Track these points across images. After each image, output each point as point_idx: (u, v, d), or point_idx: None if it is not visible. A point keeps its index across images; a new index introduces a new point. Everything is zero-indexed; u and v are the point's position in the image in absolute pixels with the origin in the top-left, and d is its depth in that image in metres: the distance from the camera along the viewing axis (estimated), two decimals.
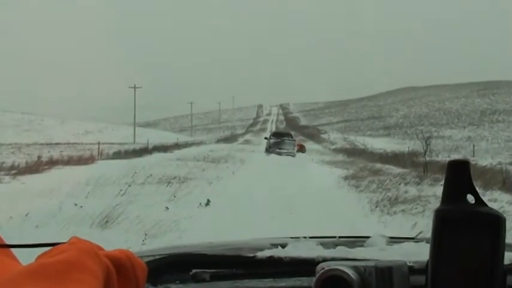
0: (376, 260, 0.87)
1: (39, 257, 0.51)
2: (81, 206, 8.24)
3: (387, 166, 19.26)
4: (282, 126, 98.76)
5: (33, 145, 38.31)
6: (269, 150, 28.71)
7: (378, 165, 19.64)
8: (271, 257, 1.06)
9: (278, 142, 28.89)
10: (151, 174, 13.54)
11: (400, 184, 12.83)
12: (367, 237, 1.26)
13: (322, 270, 0.79)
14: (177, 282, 1.03)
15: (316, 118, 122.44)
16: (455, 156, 31.75)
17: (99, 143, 28.17)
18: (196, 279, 1.03)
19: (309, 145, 46.25)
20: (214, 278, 1.03)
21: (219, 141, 56.25)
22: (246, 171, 17.20)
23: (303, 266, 1.02)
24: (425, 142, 20.91)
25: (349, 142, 50.13)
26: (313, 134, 66.77)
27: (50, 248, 0.53)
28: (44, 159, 19.31)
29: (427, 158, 19.52)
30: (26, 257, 0.59)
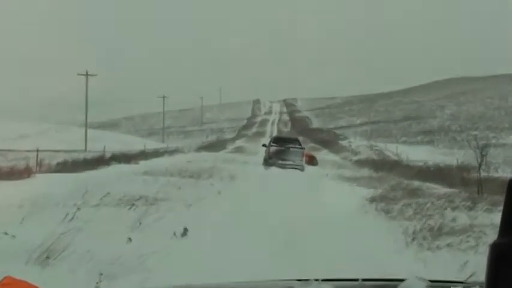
0: None
1: None
2: (14, 236, 8.30)
3: (428, 184, 19.50)
4: (286, 130, 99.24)
5: None
6: (268, 161, 28.87)
7: (416, 183, 19.83)
8: None
9: (281, 151, 29.00)
10: (108, 193, 13.66)
11: (445, 209, 12.98)
12: (401, 280, 1.27)
13: None
14: None
15: (332, 119, 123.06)
16: None
17: (38, 151, 28.09)
18: None
19: (323, 155, 46.40)
20: None
21: (200, 148, 56.71)
22: (237, 190, 17.33)
23: None
24: (481, 152, 21.01)
25: (377, 151, 50.33)
26: (329, 141, 67.03)
27: None
28: None
29: (483, 174, 19.68)
30: None
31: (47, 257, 7.10)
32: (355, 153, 48.80)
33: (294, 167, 27.62)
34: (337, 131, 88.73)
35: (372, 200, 15.29)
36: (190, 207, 12.73)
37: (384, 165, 32.04)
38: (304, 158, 29.50)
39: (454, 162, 33.03)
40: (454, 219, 11.58)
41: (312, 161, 33.86)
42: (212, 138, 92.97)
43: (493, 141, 54.48)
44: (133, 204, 12.46)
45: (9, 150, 41.25)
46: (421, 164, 33.41)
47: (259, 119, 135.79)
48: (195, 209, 12.67)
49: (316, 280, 1.27)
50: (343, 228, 11.07)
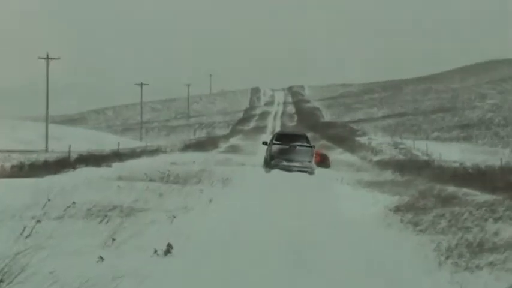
0: None
1: None
2: None
3: (465, 190, 19.35)
4: (292, 124, 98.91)
5: None
6: (270, 163, 29.01)
7: (451, 189, 19.74)
8: None
9: (285, 150, 29.13)
10: (74, 203, 13.58)
11: (486, 220, 12.96)
12: None
13: None
14: None
15: (348, 110, 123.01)
16: None
17: None
18: None
19: (337, 155, 46.86)
20: None
21: (187, 147, 56.42)
22: (232, 197, 17.44)
23: None
24: None
25: (404, 150, 50.46)
26: (344, 137, 66.96)
27: None
28: None
29: None
30: None
31: (0, 281, 7.00)
32: (376, 152, 48.66)
33: (301, 170, 27.73)
34: (354, 126, 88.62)
35: (397, 209, 15.34)
36: (174, 219, 12.66)
37: (411, 166, 31.68)
38: (313, 159, 29.55)
39: (497, 163, 32.98)
40: (496, 233, 11.54)
41: (323, 161, 33.99)
42: (201, 134, 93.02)
43: None
44: (105, 216, 12.43)
45: None
46: (456, 165, 33.42)
47: (258, 111, 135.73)
48: (181, 221, 12.62)
49: None
50: (361, 245, 11.12)
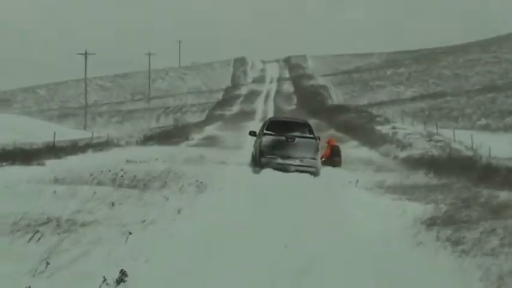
0: None
1: None
2: None
3: None
4: (290, 109, 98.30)
5: None
6: (260, 161, 28.83)
7: (504, 195, 19.57)
8: None
9: (281, 143, 28.86)
10: None
11: None
12: None
13: None
14: None
15: (365, 89, 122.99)
16: None
17: None
18: None
19: (350, 149, 46.78)
20: None
21: (148, 139, 56.56)
22: (208, 208, 17.46)
23: None
24: None
25: (440, 143, 50.07)
26: (360, 126, 66.61)
27: None
28: None
29: None
30: None
31: None
32: (403, 146, 48.28)
33: (302, 170, 27.72)
34: (374, 110, 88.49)
35: (431, 223, 15.31)
36: (130, 236, 12.71)
37: (450, 165, 31.10)
38: (318, 154, 29.56)
39: None
40: None
41: (333, 158, 34.15)
42: (167, 122, 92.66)
43: None
44: (36, 232, 12.37)
45: None
46: (510, 163, 33.36)
47: (244, 90, 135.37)
48: (139, 239, 12.64)
49: None
50: (384, 265, 11.36)
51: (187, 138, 59.55)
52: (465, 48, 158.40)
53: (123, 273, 9.62)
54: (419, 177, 27.85)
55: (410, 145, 48.77)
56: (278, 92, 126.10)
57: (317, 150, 29.34)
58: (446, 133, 55.91)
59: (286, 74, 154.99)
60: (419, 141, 51.34)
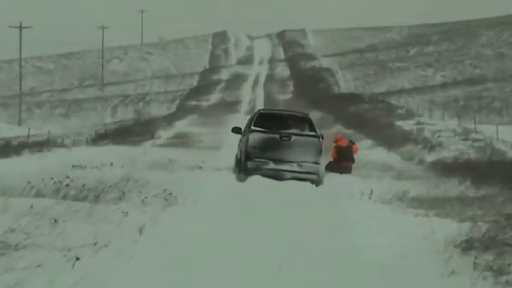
0: None
1: None
2: None
3: None
4: (285, 98, 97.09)
5: None
6: (246, 165, 27.76)
7: None
8: None
9: (272, 142, 27.87)
10: None
11: None
12: None
13: None
14: None
15: (382, 73, 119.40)
16: None
17: None
18: None
19: (364, 150, 44.06)
20: None
21: (101, 137, 55.96)
22: (179, 225, 17.09)
23: None
24: None
25: (479, 142, 48.09)
26: (375, 121, 64.03)
27: None
28: None
29: None
30: None
31: None
32: (432, 146, 46.56)
33: (301, 177, 26.71)
34: (393, 100, 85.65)
35: (467, 246, 14.78)
36: (78, 263, 12.32)
37: (492, 171, 30.06)
38: (320, 156, 28.04)
39: None
40: None
41: (343, 162, 32.86)
42: (126, 115, 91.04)
43: None
44: None
45: None
46: None
47: (226, 73, 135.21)
48: (89, 267, 12.22)
49: None
50: None
51: (152, 137, 59.15)
52: (511, 20, 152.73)
53: None
54: (452, 187, 27.14)
55: (440, 145, 46.96)
56: (270, 77, 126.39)
57: (320, 152, 28.54)
58: (487, 130, 54.00)
59: (281, 54, 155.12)
60: (452, 141, 49.41)
